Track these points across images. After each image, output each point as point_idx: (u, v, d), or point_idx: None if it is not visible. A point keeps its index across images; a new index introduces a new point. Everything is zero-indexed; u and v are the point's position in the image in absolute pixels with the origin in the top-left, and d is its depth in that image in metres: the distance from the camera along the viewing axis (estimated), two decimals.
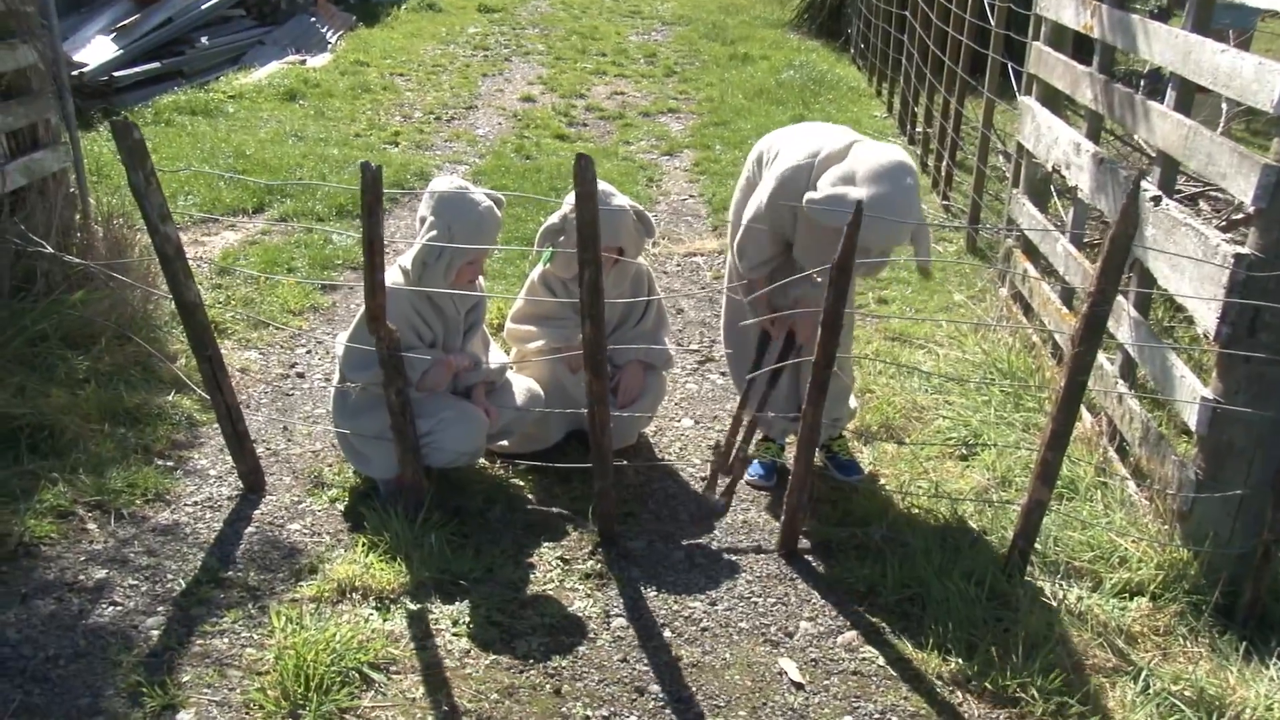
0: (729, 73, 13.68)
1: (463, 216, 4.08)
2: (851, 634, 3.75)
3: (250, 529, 4.19)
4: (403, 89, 11.98)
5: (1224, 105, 7.29)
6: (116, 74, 10.37)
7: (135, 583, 3.82)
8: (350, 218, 7.68)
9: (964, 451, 4.88)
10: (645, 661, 3.58)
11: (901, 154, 3.97)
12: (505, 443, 4.65)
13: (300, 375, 5.48)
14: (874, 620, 3.82)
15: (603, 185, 4.40)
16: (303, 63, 12.46)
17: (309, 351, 5.74)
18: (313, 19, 13.67)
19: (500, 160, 9.43)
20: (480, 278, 4.42)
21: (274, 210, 7.83)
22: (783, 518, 4.19)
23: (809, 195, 3.83)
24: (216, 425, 4.54)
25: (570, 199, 4.13)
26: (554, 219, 4.54)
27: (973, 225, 7.66)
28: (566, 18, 16.99)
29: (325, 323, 6.11)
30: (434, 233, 4.07)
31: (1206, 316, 3.79)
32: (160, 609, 3.69)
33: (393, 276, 4.13)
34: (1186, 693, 3.38)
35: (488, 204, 4.14)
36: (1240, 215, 6.50)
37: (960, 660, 3.56)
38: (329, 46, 13.25)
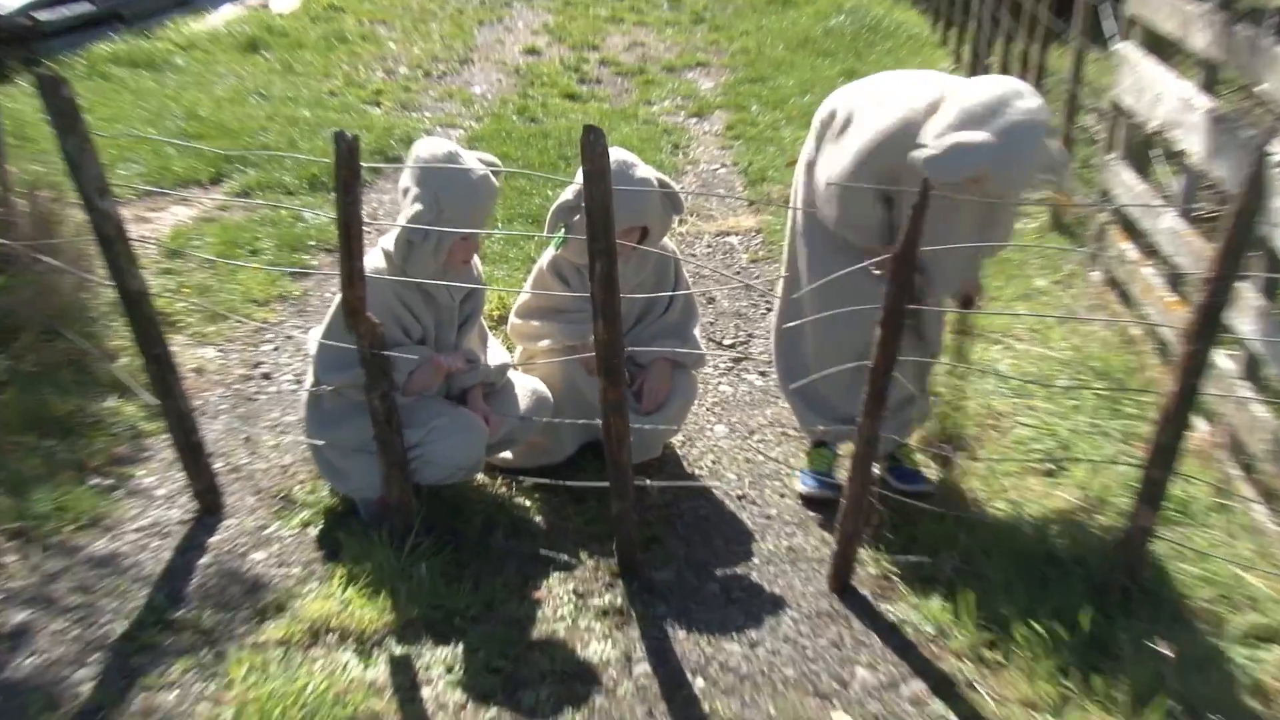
0: (767, 19, 13.70)
1: (452, 186, 4.02)
2: (918, 685, 3.71)
3: (205, 559, 4.16)
4: (385, 39, 12.02)
5: None
6: (39, 16, 10.31)
7: (63, 626, 3.79)
8: (324, 191, 7.68)
9: (1050, 466, 4.83)
10: (673, 717, 3.54)
11: (1008, 80, 3.91)
12: (508, 455, 4.62)
13: (266, 377, 5.48)
14: (944, 669, 3.77)
15: (622, 154, 4.36)
16: (265, 6, 12.47)
17: (276, 348, 5.73)
18: None
19: (500, 124, 9.43)
20: (477, 260, 4.39)
21: (234, 182, 7.84)
22: (835, 544, 4.14)
23: (923, 153, 3.76)
24: (166, 436, 4.52)
25: (421, 149, 4.17)
26: (567, 195, 4.49)
27: (1059, 198, 7.60)
28: None
29: (296, 315, 6.11)
30: (419, 207, 4.01)
31: None
32: (93, 658, 3.66)
33: (373, 261, 4.10)
34: None
35: (482, 171, 4.09)
36: None
37: (1050, 718, 3.51)
38: None
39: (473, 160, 4.09)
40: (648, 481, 4.63)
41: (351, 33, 11.99)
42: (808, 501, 4.68)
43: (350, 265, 3.68)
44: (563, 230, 4.44)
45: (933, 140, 3.77)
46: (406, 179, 4.11)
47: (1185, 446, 4.66)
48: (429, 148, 4.10)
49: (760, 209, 7.74)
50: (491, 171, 4.15)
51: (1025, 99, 3.75)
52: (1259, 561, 4.08)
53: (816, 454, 4.73)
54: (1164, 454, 3.64)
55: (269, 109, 9.32)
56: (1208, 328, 3.45)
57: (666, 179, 4.52)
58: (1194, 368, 3.51)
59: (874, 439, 3.82)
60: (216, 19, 11.85)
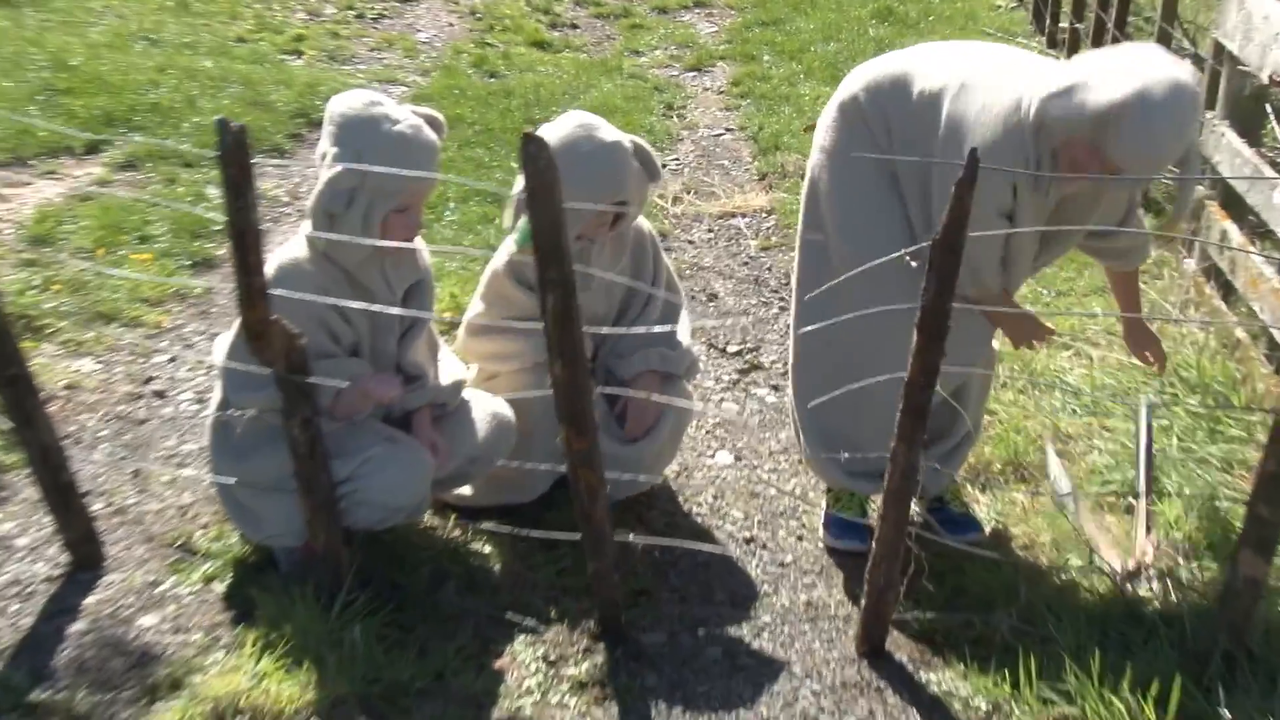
0: None
1: (376, 140, 4.02)
2: None
3: (79, 626, 4.14)
4: None
5: None
6: None
7: None
8: None
9: (1131, 503, 4.86)
10: None
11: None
12: (466, 491, 4.65)
13: (159, 395, 5.50)
14: None
15: (579, 118, 4.41)
16: None
17: (173, 360, 5.76)
18: None
19: (452, 79, 9.50)
20: (425, 251, 4.43)
21: (116, 151, 7.86)
22: (864, 599, 4.17)
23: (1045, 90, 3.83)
24: (29, 471, 4.53)
25: (339, 102, 4.16)
26: (336, 163, 4.30)
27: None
28: None
29: (197, 317, 6.14)
30: (338, 168, 4.02)
31: None
32: None
33: (291, 251, 4.14)
34: None
35: (412, 121, 4.11)
36: None
37: None
38: None
39: (401, 111, 4.10)
40: (631, 535, 4.62)
41: None
42: (834, 552, 4.73)
43: (248, 280, 3.64)
44: (524, 223, 4.34)
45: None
46: (324, 141, 4.10)
47: None
48: (346, 100, 4.12)
49: (773, 183, 7.78)
50: (433, 125, 4.17)
51: (1175, 68, 3.80)
52: None
53: (839, 498, 4.78)
54: (1275, 486, 3.69)
55: (160, 58, 9.33)
56: None
57: (639, 140, 4.55)
58: None
59: (912, 471, 3.86)
60: None
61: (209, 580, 4.38)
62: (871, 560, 4.00)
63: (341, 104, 4.09)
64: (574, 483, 3.83)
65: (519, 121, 8.52)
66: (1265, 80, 5.71)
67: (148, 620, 4.18)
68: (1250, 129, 6.10)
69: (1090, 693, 3.81)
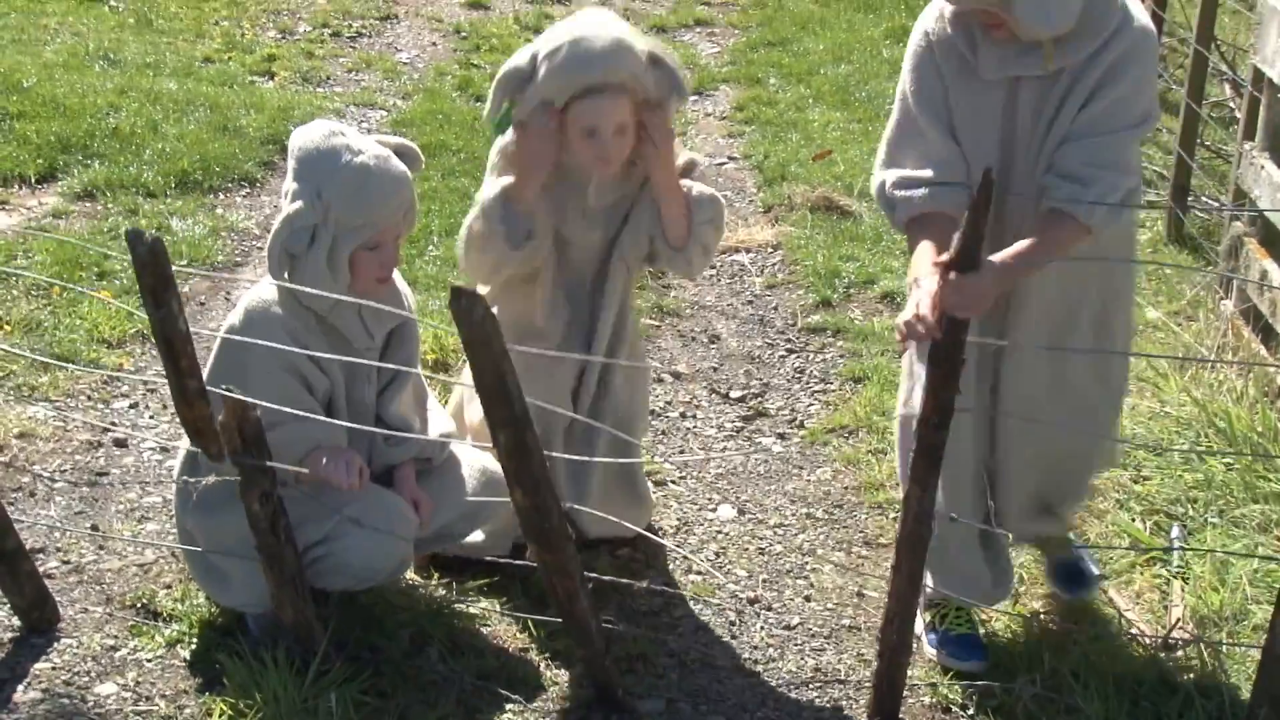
0: None
1: (336, 175, 4.00)
2: None
3: (31, 695, 4.15)
4: None
5: None
6: None
7: None
8: (199, 192, 7.76)
9: (1164, 558, 4.89)
10: None
11: None
12: (477, 537, 4.65)
13: (120, 444, 5.51)
14: None
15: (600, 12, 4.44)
16: None
17: (134, 406, 5.79)
18: None
19: (435, 103, 9.57)
20: (406, 289, 4.45)
21: (74, 179, 7.89)
22: (876, 662, 4.21)
23: None
24: None
25: (551, 31, 4.23)
26: (518, 59, 4.38)
27: (1178, 200, 7.69)
28: None
29: (160, 358, 6.08)
30: (298, 204, 4.02)
31: None
32: None
33: (262, 293, 4.16)
34: None
35: (377, 151, 4.09)
36: None
37: None
38: None
39: (368, 142, 4.11)
40: (616, 627, 4.60)
41: None
42: (961, 676, 4.55)
43: (181, 384, 3.68)
44: (507, 107, 4.39)
45: None
46: (287, 179, 4.12)
47: None
48: (306, 132, 4.13)
49: (780, 217, 7.82)
50: (403, 156, 4.18)
51: None
52: None
53: (947, 615, 4.67)
54: None
55: (120, 79, 9.37)
56: None
57: (659, 47, 4.49)
58: None
59: (925, 517, 3.89)
60: None
61: (173, 644, 4.38)
62: (884, 618, 4.04)
63: (301, 136, 4.11)
64: (549, 589, 3.88)
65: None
66: None
67: (106, 689, 4.19)
68: None
69: None
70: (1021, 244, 3.94)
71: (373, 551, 4.20)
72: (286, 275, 4.03)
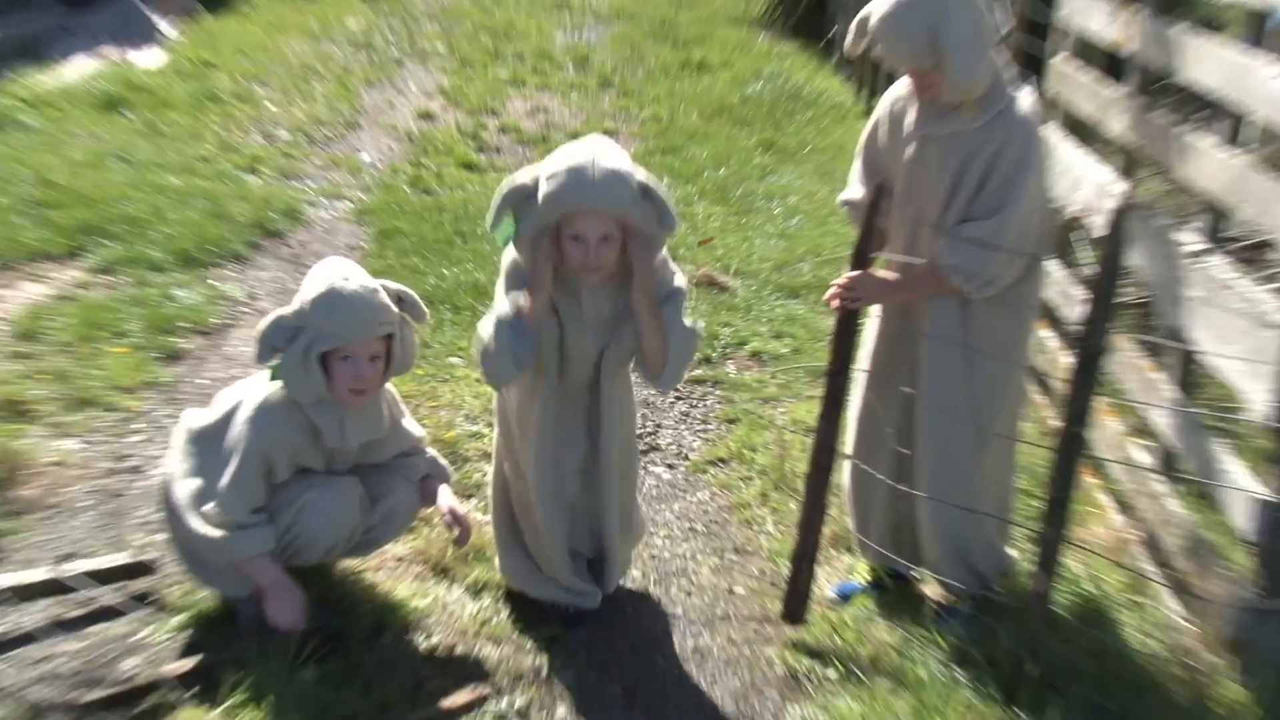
0: (681, 84, 13.85)
1: (319, 293, 4.11)
2: None
3: (73, 665, 4.22)
4: (262, 99, 12.06)
5: None
6: None
7: None
8: (198, 266, 7.82)
9: None
10: None
11: None
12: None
13: (134, 470, 5.55)
14: None
15: (599, 140, 4.20)
16: (126, 60, 12.28)
17: (147, 439, 5.82)
18: (139, 1, 13.50)
19: (392, 195, 9.61)
20: (395, 402, 4.58)
21: (95, 256, 7.89)
22: (789, 574, 4.37)
23: None
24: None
25: (554, 156, 4.09)
26: (520, 176, 4.18)
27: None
28: (474, 9, 17.00)
29: (166, 403, 6.19)
30: (287, 309, 4.16)
31: (1259, 396, 4.01)
32: None
33: (271, 392, 4.25)
34: None
35: (365, 284, 4.15)
36: None
37: None
38: (160, 40, 13.06)
39: (365, 278, 4.18)
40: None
41: (224, 91, 11.96)
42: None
43: None
44: (509, 221, 4.19)
45: None
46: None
47: (1099, 540, 4.92)
48: (319, 264, 4.27)
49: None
50: (402, 302, 4.28)
51: None
52: (1172, 660, 4.31)
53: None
54: (1055, 511, 3.91)
55: (132, 175, 9.36)
56: (1086, 373, 3.83)
57: (652, 181, 4.22)
58: (1076, 415, 3.88)
59: (828, 447, 4.20)
60: (70, 73, 11.68)
61: (181, 629, 4.43)
62: (798, 532, 4.44)
63: (315, 267, 4.25)
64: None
65: (449, 233, 8.63)
66: (1072, 216, 5.91)
67: (128, 663, 4.24)
68: (1062, 251, 6.30)
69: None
70: (910, 275, 4.31)
71: (330, 527, 4.33)
72: (268, 364, 4.14)
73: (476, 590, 4.79)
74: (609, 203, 4.02)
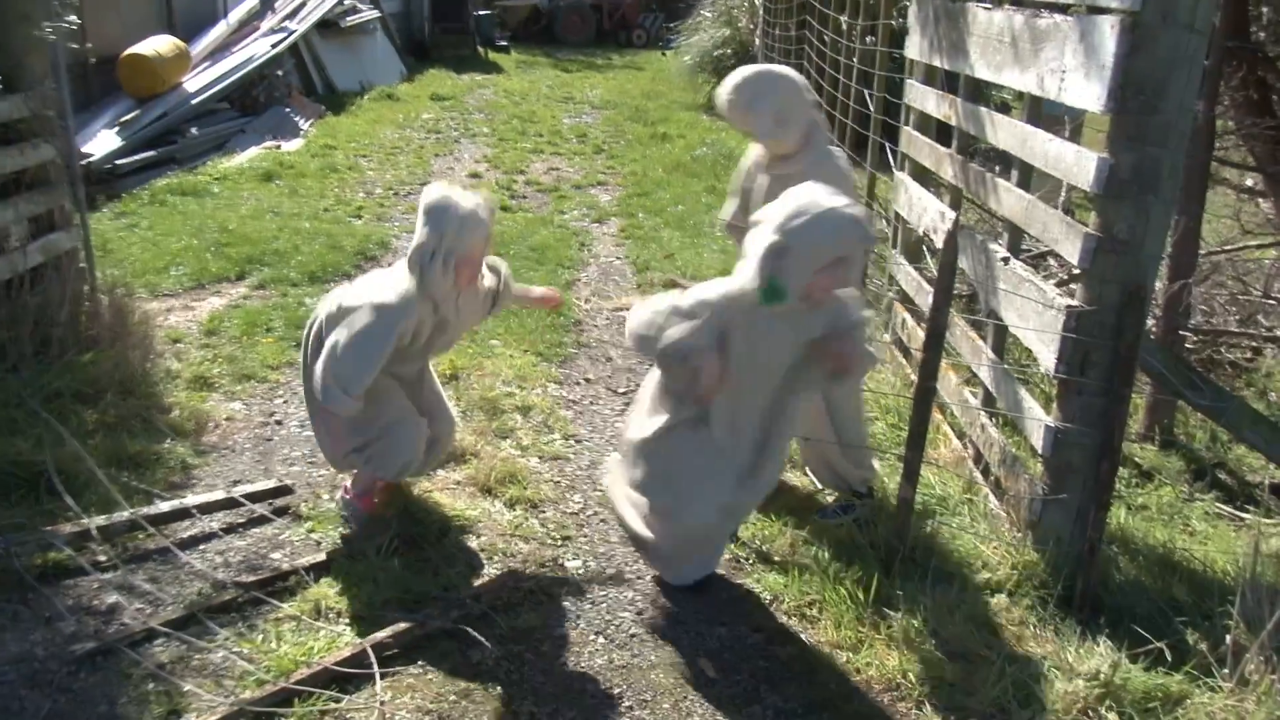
0: (650, 150, 13.82)
1: (449, 218, 3.83)
2: (760, 636, 3.88)
3: (236, 558, 4.21)
4: (365, 168, 12.00)
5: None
6: (119, 162, 10.37)
7: (141, 605, 3.85)
8: (320, 282, 7.71)
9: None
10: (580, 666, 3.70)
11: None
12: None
13: (279, 423, 5.49)
14: (780, 623, 3.94)
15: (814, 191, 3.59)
16: (278, 148, 12.42)
17: (286, 401, 5.74)
18: (287, 109, 13.65)
19: None
20: (487, 280, 4.32)
21: (254, 278, 7.81)
22: None
23: None
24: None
25: (779, 207, 3.55)
26: (772, 235, 3.53)
27: (859, 281, 7.83)
28: (508, 104, 17.06)
29: (299, 376, 5.97)
30: (422, 237, 3.87)
31: (1047, 356, 4.00)
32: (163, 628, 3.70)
33: (400, 285, 3.97)
34: (1035, 671, 3.56)
35: (473, 204, 3.89)
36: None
37: (851, 654, 3.71)
38: (302, 133, 13.21)
39: (467, 197, 3.92)
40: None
41: (341, 165, 11.90)
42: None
43: None
44: (773, 283, 3.54)
45: None
46: (419, 220, 3.93)
47: (946, 458, 4.90)
48: (431, 192, 3.94)
49: (647, 291, 7.89)
50: (483, 207, 3.95)
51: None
52: (992, 537, 4.30)
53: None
54: (914, 440, 3.92)
55: (279, 222, 9.26)
56: (935, 343, 3.81)
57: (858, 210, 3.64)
58: (928, 373, 3.85)
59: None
60: (242, 158, 11.71)
61: (310, 531, 4.41)
62: None
63: (428, 195, 3.93)
64: None
65: (491, 253, 8.50)
66: (920, 234, 5.85)
67: (275, 555, 4.23)
68: (915, 260, 6.27)
69: (829, 585, 4.02)
70: None
71: (408, 441, 4.20)
72: (420, 275, 3.89)
73: (511, 504, 4.69)
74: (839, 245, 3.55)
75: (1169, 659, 3.57)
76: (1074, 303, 3.86)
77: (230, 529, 4.40)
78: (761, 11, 15.34)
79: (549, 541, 4.47)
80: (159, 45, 12.06)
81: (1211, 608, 3.84)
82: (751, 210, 4.17)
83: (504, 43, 24.35)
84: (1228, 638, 3.50)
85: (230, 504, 4.54)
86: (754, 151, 4.54)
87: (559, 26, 27.05)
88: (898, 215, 6.41)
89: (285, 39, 14.44)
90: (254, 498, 4.61)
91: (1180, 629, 3.77)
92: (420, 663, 3.61)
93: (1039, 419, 4.13)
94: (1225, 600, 3.71)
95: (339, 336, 3.90)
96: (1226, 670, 3.45)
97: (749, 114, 4.26)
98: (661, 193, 11.27)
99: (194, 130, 11.84)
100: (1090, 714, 3.38)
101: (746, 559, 4.37)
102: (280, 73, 14.04)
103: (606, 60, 22.55)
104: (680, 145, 14.03)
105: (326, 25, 16.02)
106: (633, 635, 3.86)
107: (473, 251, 3.91)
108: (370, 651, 3.54)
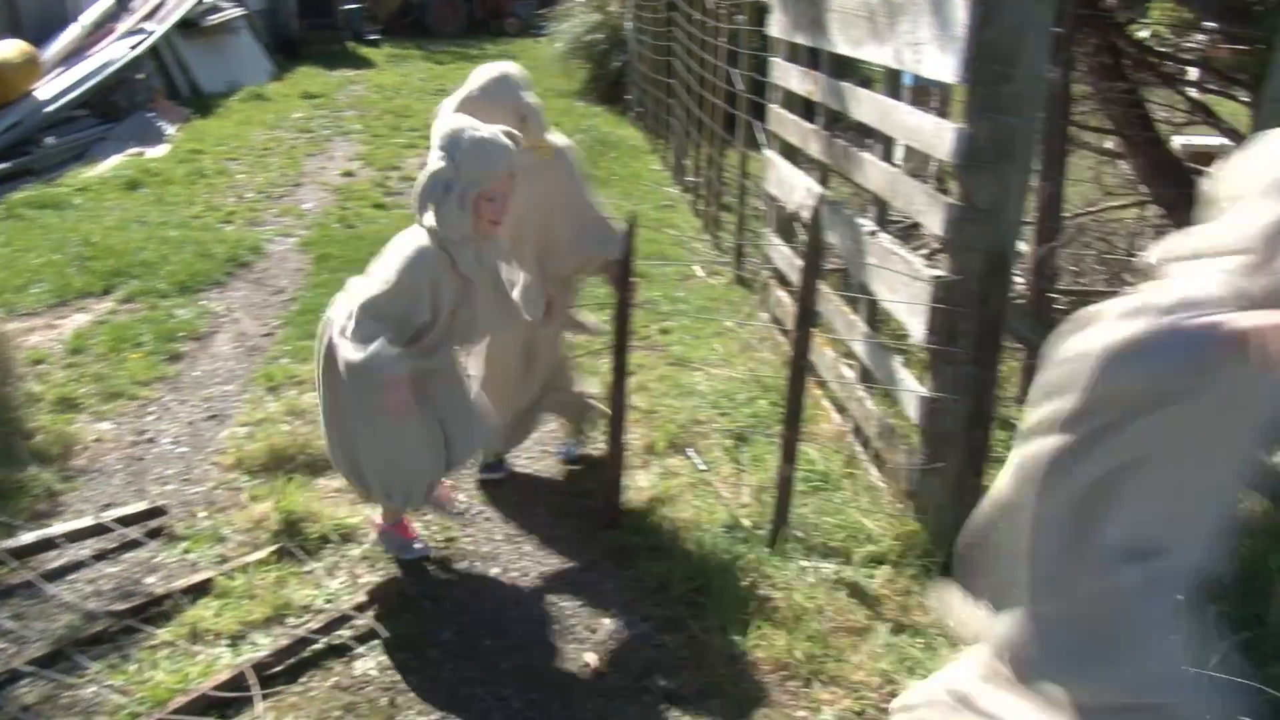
0: None
1: (464, 144, 3.45)
2: (648, 625, 3.85)
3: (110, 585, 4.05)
4: (235, 172, 11.65)
5: None
6: None
7: (3, 645, 3.66)
8: (191, 293, 7.47)
9: (738, 457, 5.00)
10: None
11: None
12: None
13: (150, 441, 5.28)
14: (666, 612, 3.91)
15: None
16: (143, 154, 11.98)
17: (157, 418, 5.54)
18: (150, 114, 13.15)
19: (325, 230, 9.27)
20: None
21: (121, 291, 7.49)
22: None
23: None
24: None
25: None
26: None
27: (737, 262, 7.88)
28: (380, 99, 16.69)
29: (170, 391, 5.89)
30: (438, 164, 3.46)
31: (916, 327, 4.04)
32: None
33: (418, 239, 3.57)
34: (919, 640, 3.60)
35: (492, 129, 3.50)
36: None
37: (739, 637, 3.71)
38: (167, 138, 12.77)
39: (485, 125, 3.52)
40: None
41: (209, 169, 11.51)
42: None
43: None
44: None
45: None
46: (432, 152, 3.52)
47: (827, 433, 4.93)
48: (445, 121, 3.57)
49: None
50: (508, 135, 3.56)
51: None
52: (874, 509, 4.35)
53: None
54: (791, 418, 3.95)
55: (146, 232, 8.90)
56: (805, 319, 3.86)
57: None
58: (801, 350, 3.88)
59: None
60: (105, 167, 11.25)
61: (186, 552, 4.24)
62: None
63: (442, 124, 3.57)
64: None
65: (366, 255, 8.13)
66: (791, 212, 5.91)
67: (150, 579, 4.06)
68: (788, 237, 6.31)
69: (713, 573, 3.98)
70: None
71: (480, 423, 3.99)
72: (427, 214, 3.50)
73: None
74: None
75: None
76: (940, 273, 3.90)
77: (101, 556, 4.21)
78: None
79: (433, 544, 4.38)
80: (5, 51, 11.56)
81: None
82: None
83: (375, 36, 23.89)
84: None
85: (100, 530, 4.35)
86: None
87: (430, 18, 26.63)
88: (768, 195, 6.44)
89: (144, 40, 13.92)
90: (126, 521, 4.42)
91: None
92: (303, 680, 3.51)
93: (913, 390, 4.17)
94: None
95: (359, 295, 3.55)
96: None
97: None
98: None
99: (50, 139, 11.38)
100: None
101: (633, 548, 4.33)
102: (141, 76, 13.55)
103: (480, 50, 22.23)
104: (556, 132, 13.85)
105: (188, 25, 15.50)
106: (520, 635, 3.81)
107: (494, 185, 3.50)
108: (250, 673, 3.44)
